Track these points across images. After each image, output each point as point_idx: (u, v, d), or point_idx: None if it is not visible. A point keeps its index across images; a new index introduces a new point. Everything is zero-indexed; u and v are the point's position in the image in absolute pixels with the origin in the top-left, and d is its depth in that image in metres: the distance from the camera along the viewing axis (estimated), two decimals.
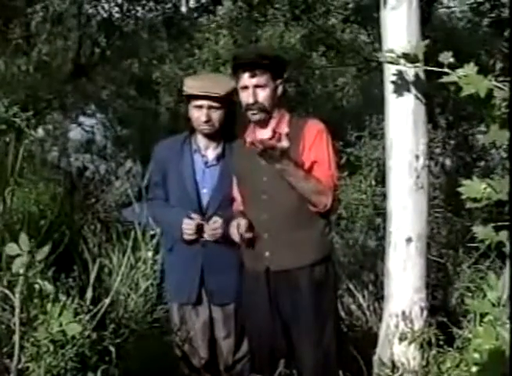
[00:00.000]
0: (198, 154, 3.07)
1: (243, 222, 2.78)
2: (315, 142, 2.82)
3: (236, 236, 2.80)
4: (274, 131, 2.86)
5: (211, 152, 3.07)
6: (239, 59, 2.95)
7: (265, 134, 2.87)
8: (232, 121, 3.06)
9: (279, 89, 2.89)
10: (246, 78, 2.82)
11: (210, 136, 3.04)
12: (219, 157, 3.06)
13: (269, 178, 2.82)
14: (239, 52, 4.35)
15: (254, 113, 2.84)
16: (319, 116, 3.20)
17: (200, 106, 2.96)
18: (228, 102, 2.99)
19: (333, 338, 2.91)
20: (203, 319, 3.13)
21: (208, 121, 2.96)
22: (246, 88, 2.83)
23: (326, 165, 2.82)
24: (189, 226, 2.94)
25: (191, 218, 2.96)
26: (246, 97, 2.83)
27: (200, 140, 3.08)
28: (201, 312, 3.12)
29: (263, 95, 2.82)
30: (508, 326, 2.45)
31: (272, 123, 2.88)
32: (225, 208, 2.99)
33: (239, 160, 2.96)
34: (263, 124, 2.88)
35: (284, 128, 2.86)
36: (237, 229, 2.78)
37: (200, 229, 2.97)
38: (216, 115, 2.97)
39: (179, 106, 9.10)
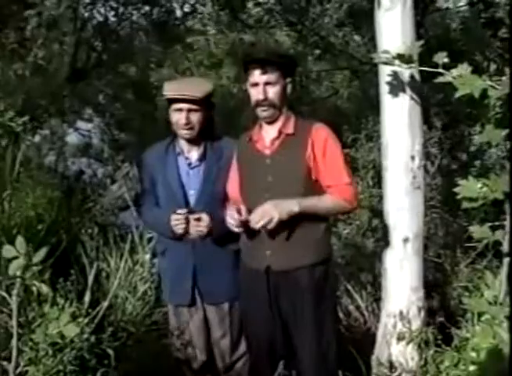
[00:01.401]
0: (182, 157, 3.10)
1: (242, 207, 2.80)
2: (328, 150, 2.81)
3: (234, 221, 2.80)
4: (280, 132, 2.87)
5: (194, 153, 3.10)
6: (251, 55, 2.96)
7: (271, 133, 2.88)
8: (211, 123, 3.09)
9: (289, 88, 2.89)
10: (257, 75, 2.82)
11: (190, 140, 3.07)
12: (201, 158, 3.08)
13: (273, 177, 2.83)
14: (251, 50, 4.33)
15: (264, 110, 2.84)
16: (315, 118, 3.20)
17: (180, 109, 2.99)
18: (207, 104, 3.02)
19: (333, 339, 2.91)
20: (198, 320, 3.14)
21: (188, 123, 2.99)
22: (256, 84, 2.83)
23: (344, 176, 2.82)
24: (177, 221, 2.96)
25: (178, 213, 2.97)
26: (256, 94, 2.83)
27: (183, 143, 3.11)
28: (195, 313, 3.14)
29: (273, 92, 2.82)
30: (505, 324, 2.46)
31: (279, 122, 2.88)
32: (213, 208, 3.00)
33: (243, 158, 2.97)
34: (271, 121, 2.89)
35: (290, 129, 2.87)
36: (238, 213, 2.78)
37: (188, 223, 2.98)
38: (195, 117, 3.00)
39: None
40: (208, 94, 3.00)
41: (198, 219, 2.96)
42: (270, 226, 2.70)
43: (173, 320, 3.22)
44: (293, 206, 2.71)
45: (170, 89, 3.02)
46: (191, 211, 2.99)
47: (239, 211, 2.78)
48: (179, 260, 3.09)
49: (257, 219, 2.69)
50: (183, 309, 3.15)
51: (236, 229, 2.82)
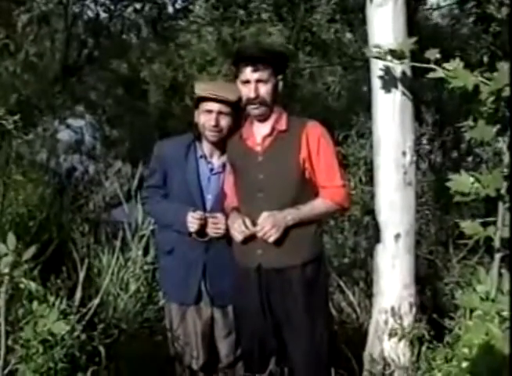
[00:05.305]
0: (203, 161, 3.05)
1: (247, 219, 2.80)
2: (321, 148, 2.80)
3: (239, 233, 2.80)
4: (273, 128, 2.85)
5: (217, 159, 3.05)
6: (242, 53, 2.94)
7: (263, 130, 2.87)
8: (238, 129, 3.00)
9: (280, 85, 2.88)
10: (248, 72, 2.80)
11: (215, 143, 3.02)
12: (225, 165, 3.04)
13: (265, 175, 2.81)
14: (242, 47, 4.26)
15: (255, 108, 2.82)
16: (306, 115, 3.19)
17: (210, 111, 2.93)
18: (237, 109, 2.95)
19: (325, 336, 2.90)
20: (204, 320, 3.11)
21: (216, 125, 2.94)
22: (247, 82, 2.81)
23: (337, 178, 2.83)
24: (194, 220, 2.94)
25: (197, 213, 2.96)
26: (247, 91, 2.81)
27: (206, 147, 3.05)
28: (203, 313, 3.11)
29: (264, 89, 2.80)
30: (497, 320, 2.47)
31: (272, 119, 2.86)
32: None
33: (235, 156, 2.94)
34: (262, 119, 2.87)
35: (282, 126, 2.85)
36: (244, 225, 2.79)
37: (202, 227, 2.97)
38: (225, 121, 2.94)
39: (167, 104, 9.11)
40: (240, 98, 2.92)
41: (214, 218, 2.95)
42: (271, 240, 2.76)
43: (176, 319, 3.16)
44: (287, 221, 2.76)
45: (203, 88, 2.97)
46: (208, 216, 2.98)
47: (245, 225, 2.79)
48: (189, 261, 3.05)
49: (263, 234, 2.75)
50: (190, 308, 3.12)
51: (239, 240, 2.83)
